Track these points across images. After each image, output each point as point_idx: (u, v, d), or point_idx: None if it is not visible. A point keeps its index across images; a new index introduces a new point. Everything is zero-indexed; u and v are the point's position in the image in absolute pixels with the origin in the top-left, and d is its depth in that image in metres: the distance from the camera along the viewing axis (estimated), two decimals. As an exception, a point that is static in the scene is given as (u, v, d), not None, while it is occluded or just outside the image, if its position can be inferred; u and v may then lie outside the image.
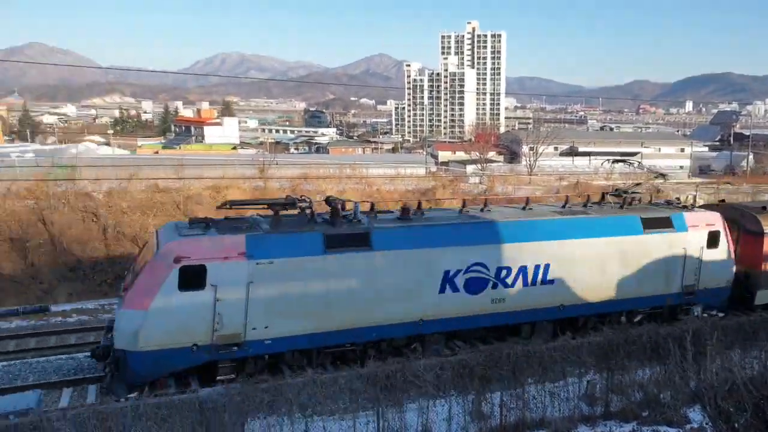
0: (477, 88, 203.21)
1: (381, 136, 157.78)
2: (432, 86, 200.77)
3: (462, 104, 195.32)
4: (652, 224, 17.99)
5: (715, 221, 19.01)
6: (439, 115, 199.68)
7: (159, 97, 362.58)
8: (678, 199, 21.42)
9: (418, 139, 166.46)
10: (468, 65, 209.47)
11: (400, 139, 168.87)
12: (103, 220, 32.36)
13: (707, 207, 21.75)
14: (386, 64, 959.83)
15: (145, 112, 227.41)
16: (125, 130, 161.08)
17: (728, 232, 19.12)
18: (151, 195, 36.20)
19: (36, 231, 30.66)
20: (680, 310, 18.79)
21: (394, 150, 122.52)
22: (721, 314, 18.96)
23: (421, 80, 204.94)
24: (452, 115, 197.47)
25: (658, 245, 17.94)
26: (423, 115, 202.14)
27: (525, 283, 16.26)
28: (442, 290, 15.29)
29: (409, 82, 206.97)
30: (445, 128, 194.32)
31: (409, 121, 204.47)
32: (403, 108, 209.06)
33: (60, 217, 32.49)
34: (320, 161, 61.75)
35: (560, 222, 17.02)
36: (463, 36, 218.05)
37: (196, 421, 10.28)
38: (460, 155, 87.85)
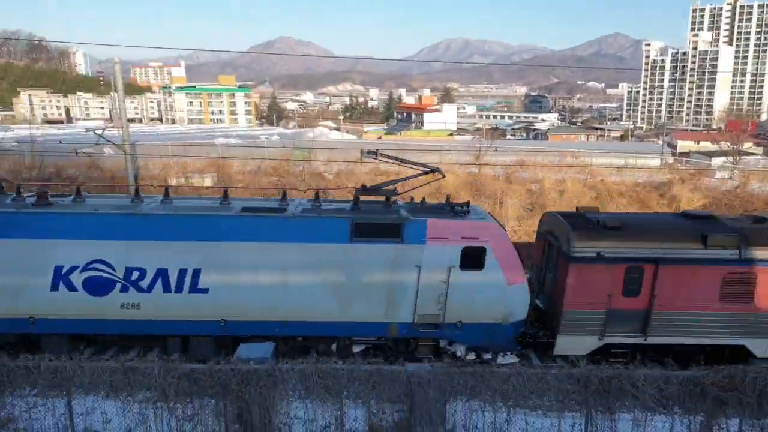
0: (734, 68, 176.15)
1: (608, 123, 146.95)
2: (675, 67, 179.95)
3: (712, 87, 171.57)
4: (367, 231, 13.90)
5: (481, 234, 14.13)
6: (681, 99, 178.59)
7: (385, 84, 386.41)
8: (467, 203, 15.57)
9: (653, 127, 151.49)
10: (724, 42, 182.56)
11: (631, 126, 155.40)
12: (330, 198, 35.60)
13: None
14: (621, 43, 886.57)
15: (372, 99, 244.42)
16: (354, 116, 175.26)
17: (509, 251, 14.25)
18: (374, 177, 38.81)
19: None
20: (418, 345, 14.76)
21: (623, 138, 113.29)
22: (510, 359, 14.42)
23: (662, 60, 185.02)
24: (698, 99, 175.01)
25: (374, 259, 13.95)
26: (661, 99, 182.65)
27: (167, 290, 13.73)
28: (54, 288, 13.57)
29: (647, 63, 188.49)
30: (687, 114, 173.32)
31: (643, 106, 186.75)
32: (638, 92, 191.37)
33: (296, 193, 36.58)
34: (539, 148, 59.70)
35: (215, 219, 13.96)
36: (721, 9, 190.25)
37: (403, 392, 10.77)
38: (705, 146, 77.73)
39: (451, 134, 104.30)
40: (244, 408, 10.64)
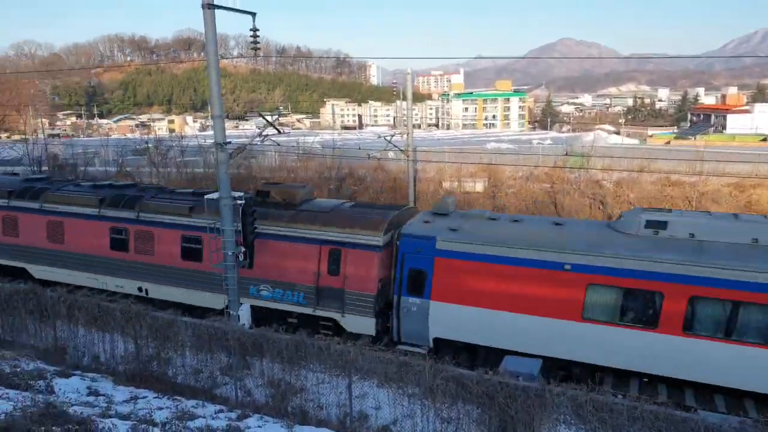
0: None
1: None
2: None
3: None
4: None
5: None
6: None
7: (678, 83, 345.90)
8: None
9: None
10: None
11: None
12: (609, 209, 32.97)
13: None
14: None
15: (660, 100, 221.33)
16: (637, 118, 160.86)
17: None
18: (661, 188, 34.67)
19: (547, 212, 33.78)
20: None
21: None
22: None
23: None
24: None
25: None
26: None
27: None
28: None
29: None
30: None
31: None
32: None
33: (570, 201, 34.79)
34: None
35: None
36: None
37: (698, 447, 9.06)
38: None
39: (765, 139, 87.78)
40: (509, 423, 10.19)
